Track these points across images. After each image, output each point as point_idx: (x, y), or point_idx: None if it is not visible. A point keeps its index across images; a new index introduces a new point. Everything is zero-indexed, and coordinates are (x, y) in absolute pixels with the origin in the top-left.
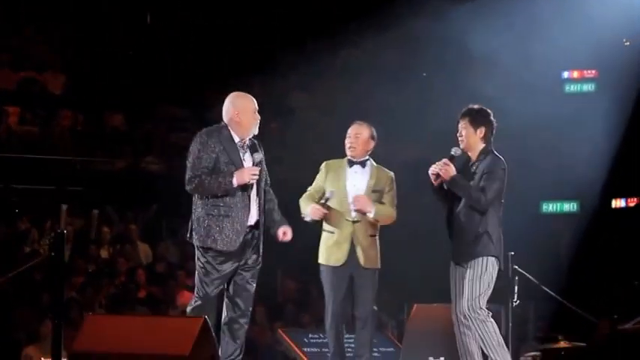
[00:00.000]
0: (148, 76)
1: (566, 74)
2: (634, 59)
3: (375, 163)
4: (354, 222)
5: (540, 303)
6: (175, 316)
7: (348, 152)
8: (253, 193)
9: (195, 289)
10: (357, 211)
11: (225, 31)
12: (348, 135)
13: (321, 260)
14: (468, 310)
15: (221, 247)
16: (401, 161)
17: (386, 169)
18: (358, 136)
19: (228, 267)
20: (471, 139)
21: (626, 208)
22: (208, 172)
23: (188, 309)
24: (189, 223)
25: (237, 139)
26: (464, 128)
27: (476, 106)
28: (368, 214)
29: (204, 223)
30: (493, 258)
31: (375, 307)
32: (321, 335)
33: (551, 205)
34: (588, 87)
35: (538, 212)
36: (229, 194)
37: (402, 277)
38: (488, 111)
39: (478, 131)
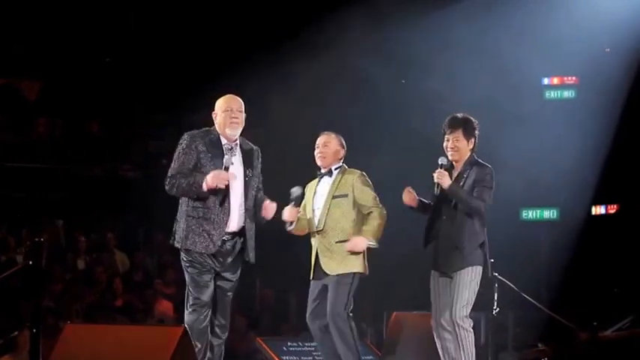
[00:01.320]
0: (125, 82)
1: (546, 81)
2: (614, 66)
3: (347, 168)
4: (317, 232)
5: (520, 311)
6: (154, 325)
7: (318, 162)
8: (236, 198)
9: (186, 297)
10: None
11: (203, 36)
12: (316, 145)
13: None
14: (455, 318)
15: (199, 248)
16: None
17: (354, 170)
18: (327, 144)
19: (209, 271)
20: (463, 150)
21: (607, 215)
22: (187, 172)
23: (185, 318)
24: (173, 226)
25: (224, 142)
26: (457, 140)
27: (461, 116)
28: (371, 245)
29: (184, 225)
30: (479, 267)
31: (349, 314)
32: (299, 343)
33: (530, 212)
34: (569, 93)
35: (518, 219)
36: (207, 197)
37: (380, 286)
38: (474, 120)
39: (469, 142)
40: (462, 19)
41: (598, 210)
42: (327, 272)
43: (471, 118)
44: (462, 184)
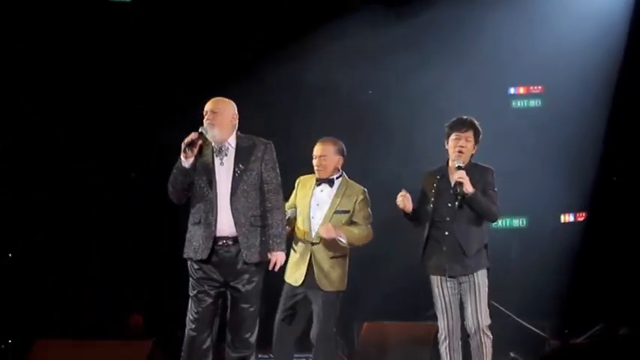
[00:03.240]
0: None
1: (512, 90)
2: (580, 74)
3: (347, 180)
4: (313, 243)
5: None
6: (124, 340)
7: (317, 174)
8: (223, 197)
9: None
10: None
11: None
12: (314, 155)
13: (285, 276)
14: (482, 326)
15: (193, 254)
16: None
17: (357, 185)
18: (325, 156)
19: (207, 281)
20: (469, 152)
21: (575, 223)
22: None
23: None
24: None
25: (213, 144)
26: (468, 140)
27: (468, 117)
28: (340, 240)
29: (188, 233)
30: (486, 269)
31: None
32: (270, 355)
33: (500, 221)
34: (535, 102)
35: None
36: (198, 198)
37: (350, 296)
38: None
39: (475, 146)
40: (428, 30)
41: (567, 218)
42: (320, 287)
43: (478, 124)
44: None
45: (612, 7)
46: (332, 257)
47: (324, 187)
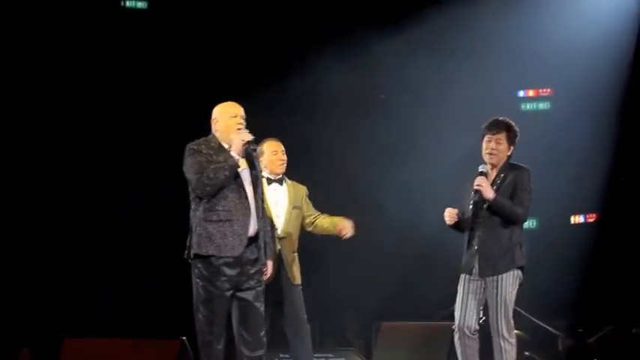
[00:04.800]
0: None
1: (521, 93)
2: (589, 77)
3: (287, 179)
4: (280, 238)
5: None
6: (153, 339)
7: (278, 169)
8: (250, 197)
9: (197, 321)
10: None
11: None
12: (274, 151)
13: None
14: (507, 332)
15: (224, 252)
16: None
17: (299, 184)
18: (284, 152)
19: (227, 282)
20: (503, 154)
21: (586, 224)
22: (206, 166)
23: (199, 346)
24: (187, 240)
25: (226, 146)
26: (499, 143)
27: (504, 119)
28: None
29: (203, 230)
30: (519, 270)
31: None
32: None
33: None
34: (544, 105)
35: None
36: (228, 196)
37: (367, 297)
38: (517, 127)
39: (510, 148)
40: (438, 34)
41: (577, 219)
42: (292, 281)
43: (514, 125)
44: (496, 187)
45: (621, 10)
46: (294, 252)
47: (276, 186)
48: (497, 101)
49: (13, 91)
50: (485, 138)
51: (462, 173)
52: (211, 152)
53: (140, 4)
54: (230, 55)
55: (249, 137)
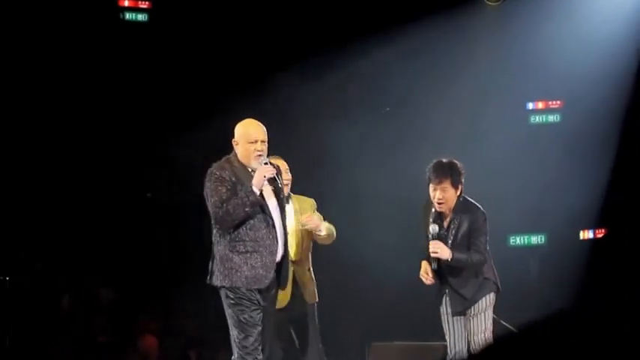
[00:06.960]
0: None
1: (531, 105)
2: (599, 89)
3: (292, 194)
4: (292, 262)
5: None
6: None
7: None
8: (278, 225)
9: (233, 348)
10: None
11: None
12: (285, 169)
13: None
14: None
15: (252, 284)
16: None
17: (306, 198)
18: (288, 170)
19: (257, 310)
20: (451, 200)
21: (595, 240)
22: (227, 198)
23: None
24: (210, 265)
25: (248, 168)
26: (445, 190)
27: (447, 161)
28: (320, 232)
29: (229, 261)
30: (493, 294)
31: None
32: None
33: (518, 238)
34: (553, 118)
35: (505, 245)
36: (255, 226)
37: (361, 316)
38: (460, 164)
39: (457, 190)
40: (446, 45)
41: (586, 234)
42: (307, 301)
43: (457, 163)
44: (453, 232)
45: (630, 22)
46: (308, 269)
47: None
48: (507, 114)
49: (13, 106)
50: (431, 187)
51: (469, 191)
52: (233, 179)
53: (140, 17)
54: (229, 67)
55: (271, 173)
